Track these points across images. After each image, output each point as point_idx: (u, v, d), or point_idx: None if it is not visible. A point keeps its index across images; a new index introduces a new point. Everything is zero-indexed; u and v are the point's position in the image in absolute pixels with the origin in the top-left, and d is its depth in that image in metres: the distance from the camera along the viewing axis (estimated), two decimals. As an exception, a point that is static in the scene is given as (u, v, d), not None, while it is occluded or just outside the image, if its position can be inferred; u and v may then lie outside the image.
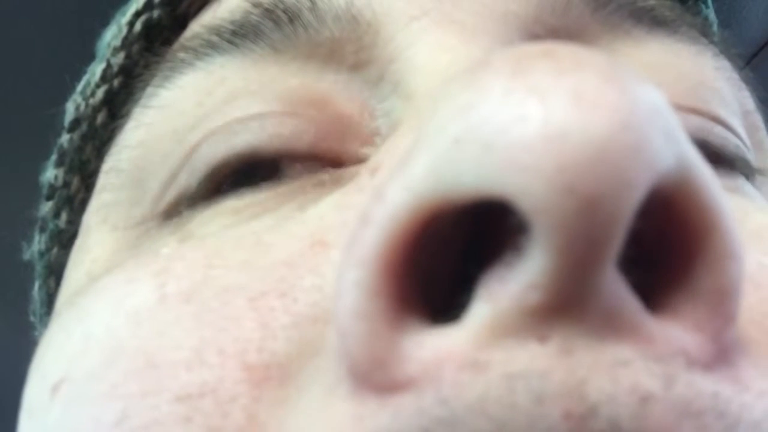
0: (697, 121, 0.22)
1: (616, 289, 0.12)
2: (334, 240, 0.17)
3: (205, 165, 0.21)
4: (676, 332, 0.13)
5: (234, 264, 0.17)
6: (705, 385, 0.12)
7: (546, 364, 0.12)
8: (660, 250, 0.13)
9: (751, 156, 0.24)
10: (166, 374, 0.16)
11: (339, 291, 0.14)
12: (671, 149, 0.12)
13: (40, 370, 0.19)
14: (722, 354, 0.13)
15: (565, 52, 0.12)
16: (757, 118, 0.25)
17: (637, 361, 0.12)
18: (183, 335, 0.16)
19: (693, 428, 0.12)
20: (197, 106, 0.22)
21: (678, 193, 0.13)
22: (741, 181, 0.22)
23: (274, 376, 0.15)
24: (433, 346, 0.13)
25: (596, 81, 0.12)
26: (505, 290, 0.12)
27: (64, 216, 0.27)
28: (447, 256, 0.14)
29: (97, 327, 0.18)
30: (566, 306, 0.12)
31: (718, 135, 0.22)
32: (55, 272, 0.28)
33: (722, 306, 0.13)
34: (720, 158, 0.22)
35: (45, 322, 0.29)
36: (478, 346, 0.12)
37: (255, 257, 0.17)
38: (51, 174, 0.28)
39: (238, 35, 0.22)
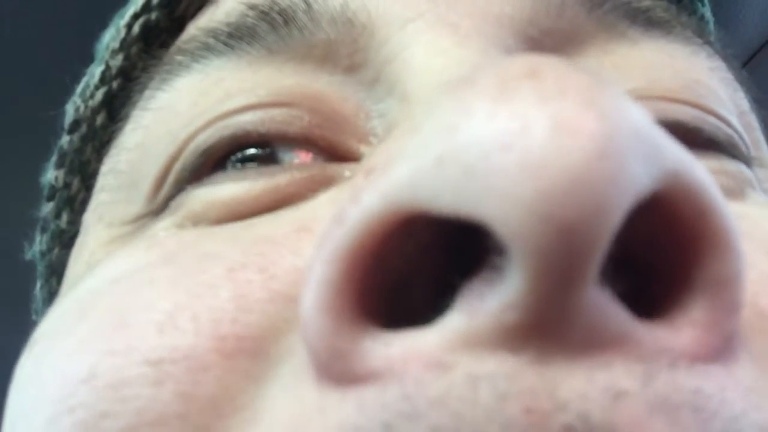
0: (691, 112, 0.22)
1: (598, 304, 0.12)
2: (321, 229, 0.17)
3: (196, 149, 0.21)
4: (665, 333, 0.13)
5: (219, 237, 0.18)
6: (687, 382, 0.13)
7: (515, 369, 0.12)
8: (658, 247, 0.14)
9: (745, 149, 0.24)
10: (137, 335, 0.16)
11: (305, 284, 0.14)
12: (654, 168, 0.12)
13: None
14: (722, 346, 0.13)
15: (549, 72, 0.12)
16: (753, 119, 0.25)
17: (617, 363, 0.12)
18: (157, 296, 0.16)
19: (665, 422, 0.12)
20: (192, 106, 0.22)
21: (673, 197, 0.13)
22: (741, 166, 0.22)
23: (247, 348, 0.15)
24: (402, 344, 0.13)
25: (577, 107, 0.12)
26: (483, 307, 0.12)
27: (65, 216, 0.28)
28: (426, 262, 0.14)
29: (80, 291, 0.18)
30: (543, 326, 0.12)
31: (712, 124, 0.22)
32: (57, 272, 0.28)
33: (722, 297, 0.13)
34: (714, 144, 0.22)
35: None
36: (447, 350, 0.13)
37: (240, 231, 0.18)
38: (51, 175, 0.28)
39: (234, 37, 0.22)
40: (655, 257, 0.14)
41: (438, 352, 0.13)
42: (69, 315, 0.17)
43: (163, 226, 0.21)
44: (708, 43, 0.25)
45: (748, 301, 0.15)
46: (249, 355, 0.15)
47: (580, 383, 0.12)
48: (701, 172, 0.13)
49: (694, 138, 0.22)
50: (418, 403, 0.12)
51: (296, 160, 0.21)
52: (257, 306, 0.16)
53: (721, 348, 0.13)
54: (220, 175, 0.21)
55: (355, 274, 0.13)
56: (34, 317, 0.31)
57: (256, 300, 0.16)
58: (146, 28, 0.26)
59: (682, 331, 0.13)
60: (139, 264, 0.18)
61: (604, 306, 0.12)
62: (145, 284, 0.17)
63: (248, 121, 0.21)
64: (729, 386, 0.13)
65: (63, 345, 0.17)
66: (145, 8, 0.26)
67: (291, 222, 0.18)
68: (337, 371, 0.13)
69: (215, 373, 0.15)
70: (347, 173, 0.20)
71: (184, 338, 0.15)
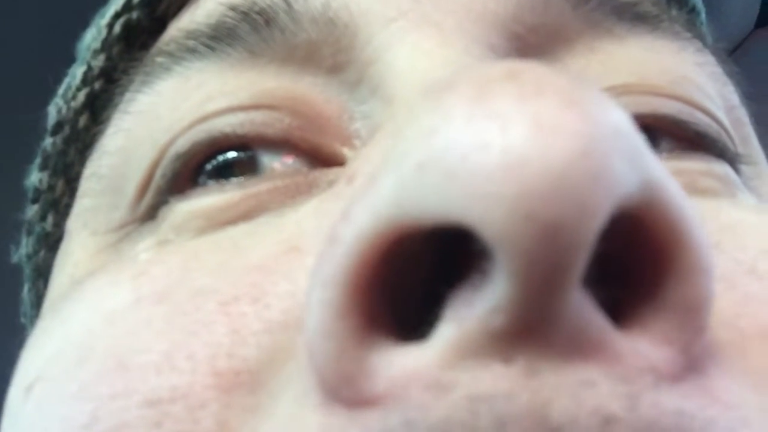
0: (679, 106, 0.22)
1: (582, 309, 0.12)
2: (309, 246, 0.17)
3: (174, 153, 0.21)
4: (644, 347, 0.13)
5: (209, 266, 0.17)
6: (670, 403, 0.12)
7: (510, 386, 0.12)
8: (631, 264, 0.13)
9: (733, 146, 0.23)
10: (136, 377, 0.16)
11: (307, 309, 0.14)
12: (635, 171, 0.12)
13: (20, 371, 0.19)
14: (692, 365, 0.13)
15: (529, 74, 0.12)
16: (742, 113, 0.25)
17: (602, 381, 0.12)
18: (153, 338, 0.16)
19: None
20: (173, 110, 0.22)
21: (646, 211, 0.13)
22: (727, 168, 0.22)
23: (245, 382, 0.15)
24: (400, 364, 0.13)
25: (557, 106, 0.11)
26: (470, 313, 0.12)
27: (50, 219, 0.27)
28: (416, 274, 0.14)
29: (74, 328, 0.18)
30: (530, 329, 0.12)
31: (699, 119, 0.22)
32: (43, 275, 0.28)
33: (692, 319, 0.13)
34: (702, 139, 0.22)
35: (35, 324, 0.29)
36: (444, 366, 0.12)
37: (229, 260, 0.17)
38: (35, 177, 0.28)
39: (215, 39, 0.22)
40: (624, 273, 0.14)
41: (435, 371, 0.12)
42: (67, 358, 0.17)
43: (146, 245, 0.20)
44: (697, 36, 0.24)
45: (729, 323, 0.15)
46: (247, 388, 0.15)
47: (570, 404, 0.12)
48: (676, 185, 0.13)
49: (682, 132, 0.22)
50: (420, 430, 0.12)
51: (277, 164, 0.20)
52: (252, 339, 0.15)
53: (691, 366, 0.13)
54: (200, 190, 0.20)
55: (356, 295, 0.13)
56: (23, 320, 0.31)
57: (251, 332, 0.16)
58: (127, 28, 0.25)
59: (658, 347, 0.13)
60: (129, 299, 0.17)
61: (587, 311, 0.12)
62: (141, 325, 0.17)
63: (227, 123, 0.21)
64: (710, 403, 0.13)
65: (64, 390, 0.17)
66: (126, 7, 0.26)
67: (278, 242, 0.17)
68: (345, 395, 0.13)
69: (213, 409, 0.15)
70: (330, 178, 0.20)
71: (181, 377, 0.15)
